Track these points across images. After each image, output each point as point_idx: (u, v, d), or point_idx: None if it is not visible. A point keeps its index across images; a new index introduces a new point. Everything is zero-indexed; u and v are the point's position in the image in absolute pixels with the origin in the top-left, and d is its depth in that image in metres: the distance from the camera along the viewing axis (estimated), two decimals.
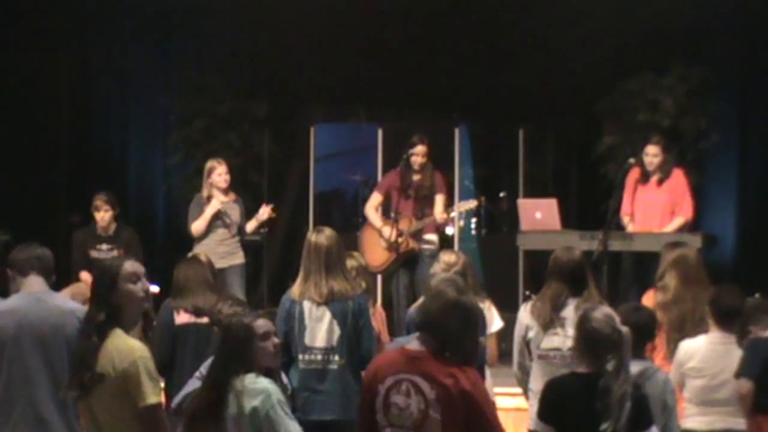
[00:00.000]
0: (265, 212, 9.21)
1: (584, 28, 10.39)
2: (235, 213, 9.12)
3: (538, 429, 4.64)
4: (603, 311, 4.65)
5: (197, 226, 9.02)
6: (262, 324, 4.74)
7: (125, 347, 4.45)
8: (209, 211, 9.00)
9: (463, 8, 11.00)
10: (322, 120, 11.63)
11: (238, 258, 9.13)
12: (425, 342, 4.29)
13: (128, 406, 4.42)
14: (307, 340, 5.99)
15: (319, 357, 6.00)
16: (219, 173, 9.10)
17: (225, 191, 9.13)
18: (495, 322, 6.49)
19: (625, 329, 4.56)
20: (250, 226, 9.20)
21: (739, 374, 5.71)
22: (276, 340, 4.76)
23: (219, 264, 8.90)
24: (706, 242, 8.66)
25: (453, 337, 4.28)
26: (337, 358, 5.99)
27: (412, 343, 4.36)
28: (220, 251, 8.98)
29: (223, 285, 8.78)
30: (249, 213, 9.30)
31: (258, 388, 4.59)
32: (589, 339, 4.58)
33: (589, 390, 4.48)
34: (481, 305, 5.97)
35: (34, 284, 5.11)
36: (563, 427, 4.55)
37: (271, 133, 11.44)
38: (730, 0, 10.58)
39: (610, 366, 4.49)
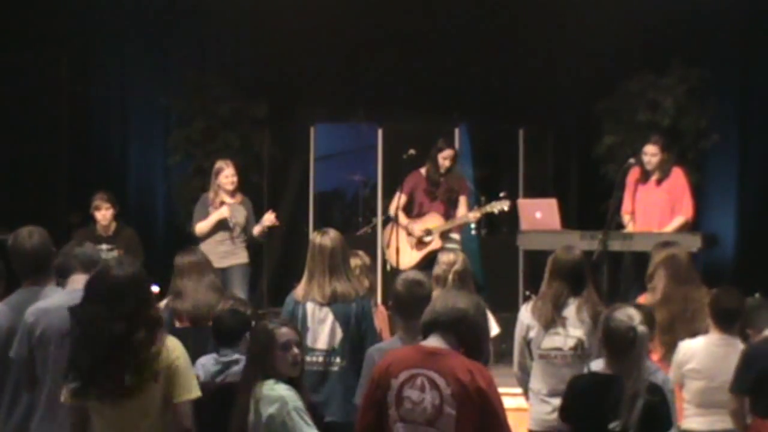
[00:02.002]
0: (269, 219, 9.14)
1: (584, 28, 10.40)
2: (240, 214, 9.10)
3: (562, 429, 4.62)
4: (627, 311, 4.65)
5: (201, 228, 9.04)
6: (284, 332, 4.73)
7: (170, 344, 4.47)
8: (215, 216, 8.99)
9: (463, 8, 11.00)
10: (322, 120, 11.60)
11: (240, 258, 9.10)
12: (446, 339, 4.25)
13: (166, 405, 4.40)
14: (310, 342, 5.98)
15: (321, 359, 6.01)
16: (226, 175, 9.08)
17: (231, 193, 9.12)
18: (492, 326, 6.48)
19: (641, 329, 4.57)
20: (257, 230, 9.12)
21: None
22: (296, 350, 4.72)
23: (219, 264, 8.92)
24: (706, 242, 8.67)
25: (480, 334, 4.29)
26: (338, 360, 6.00)
27: (428, 339, 4.31)
28: (220, 251, 8.96)
29: (225, 284, 8.80)
30: (257, 213, 9.29)
31: (274, 396, 4.59)
32: (607, 338, 4.63)
33: (605, 389, 4.50)
34: None
35: (79, 282, 5.12)
36: (578, 426, 4.56)
37: (271, 133, 11.42)
38: (729, 0, 10.57)
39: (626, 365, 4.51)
